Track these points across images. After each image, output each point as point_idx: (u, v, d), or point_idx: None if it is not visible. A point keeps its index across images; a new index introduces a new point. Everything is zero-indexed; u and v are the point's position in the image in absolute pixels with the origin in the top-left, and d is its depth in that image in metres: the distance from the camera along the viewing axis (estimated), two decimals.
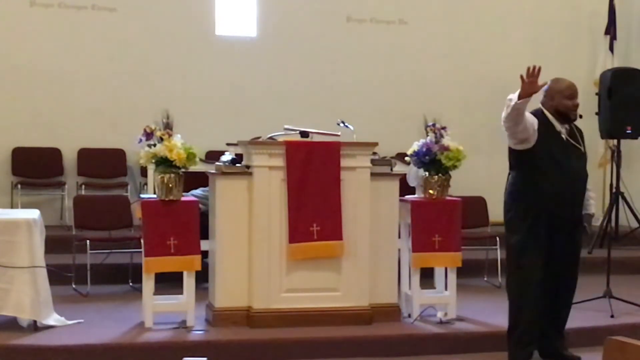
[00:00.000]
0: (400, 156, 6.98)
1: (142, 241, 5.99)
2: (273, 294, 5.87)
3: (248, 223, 5.89)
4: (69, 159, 9.45)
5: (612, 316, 6.33)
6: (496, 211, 8.16)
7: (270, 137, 6.16)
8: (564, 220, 5.18)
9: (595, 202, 5.60)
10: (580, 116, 5.26)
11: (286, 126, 6.32)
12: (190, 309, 5.88)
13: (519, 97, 4.86)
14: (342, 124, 6.64)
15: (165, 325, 5.84)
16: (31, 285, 5.57)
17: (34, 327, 5.67)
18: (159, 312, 5.88)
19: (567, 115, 5.19)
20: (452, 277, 6.27)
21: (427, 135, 6.27)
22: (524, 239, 5.20)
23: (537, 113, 5.21)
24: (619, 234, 9.13)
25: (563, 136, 5.20)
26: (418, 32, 10.26)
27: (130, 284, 7.30)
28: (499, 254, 7.61)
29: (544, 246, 5.17)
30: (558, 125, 5.20)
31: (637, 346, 2.68)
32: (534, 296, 5.22)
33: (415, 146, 6.28)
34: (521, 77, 4.87)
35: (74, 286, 7.09)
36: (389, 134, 8.74)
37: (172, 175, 5.76)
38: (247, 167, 5.95)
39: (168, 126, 5.78)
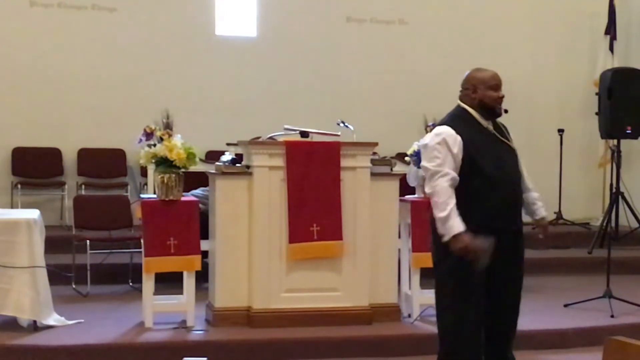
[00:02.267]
0: (400, 156, 6.98)
1: (142, 241, 5.99)
2: (273, 294, 5.87)
3: (248, 223, 5.89)
4: (69, 159, 9.46)
5: (612, 316, 6.33)
6: None
7: (270, 137, 6.16)
8: (507, 231, 4.36)
9: (542, 204, 4.74)
10: (506, 110, 4.50)
11: (286, 126, 6.32)
12: (190, 309, 5.88)
13: (451, 239, 4.11)
14: (342, 124, 6.64)
15: (165, 325, 5.84)
16: (31, 285, 5.57)
17: (34, 327, 5.67)
18: (159, 312, 5.88)
19: (493, 108, 4.41)
20: None
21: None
22: (457, 266, 4.25)
23: (457, 115, 4.43)
24: (619, 234, 9.12)
25: (492, 133, 4.43)
26: (418, 32, 10.27)
27: (130, 284, 7.30)
28: None
29: (481, 280, 4.26)
30: (484, 122, 4.42)
31: (637, 346, 2.68)
32: (472, 335, 4.31)
33: (415, 146, 6.28)
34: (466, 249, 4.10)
35: (74, 286, 7.09)
36: (389, 134, 8.75)
37: (172, 175, 5.76)
38: (247, 167, 5.95)
39: (168, 126, 5.78)
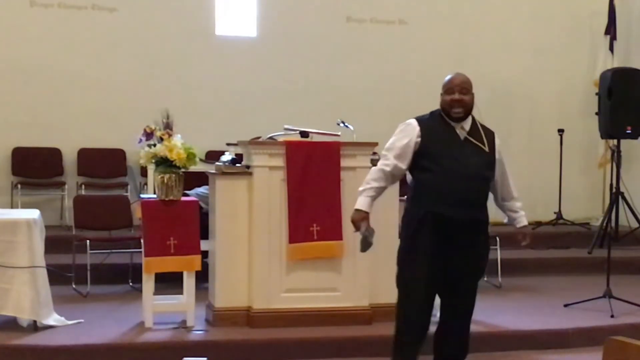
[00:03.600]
0: None
1: (142, 241, 5.99)
2: (273, 294, 5.87)
3: (248, 223, 5.89)
4: (69, 159, 9.46)
5: (612, 316, 6.33)
6: (496, 211, 8.19)
7: (270, 137, 6.16)
8: (456, 222, 4.51)
9: (524, 213, 4.92)
10: (467, 114, 4.64)
11: (286, 126, 6.32)
12: (190, 309, 5.88)
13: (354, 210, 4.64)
14: (342, 124, 6.64)
15: (165, 325, 5.84)
16: (31, 285, 5.57)
17: (34, 327, 5.67)
18: (159, 312, 5.88)
19: (447, 111, 4.63)
20: None
21: None
22: (406, 249, 4.67)
23: (431, 112, 4.75)
24: (619, 234, 9.12)
25: (459, 134, 4.62)
26: (418, 32, 10.27)
27: (130, 284, 7.30)
28: (499, 254, 7.61)
29: (431, 257, 4.53)
30: (452, 122, 4.64)
31: (637, 346, 2.68)
32: (416, 313, 4.64)
33: None
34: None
35: (74, 286, 7.09)
36: (389, 134, 8.70)
37: (172, 175, 5.76)
38: (247, 167, 5.95)
39: (168, 126, 5.78)
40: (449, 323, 4.78)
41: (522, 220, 4.91)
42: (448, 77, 4.81)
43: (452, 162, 4.54)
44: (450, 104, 4.64)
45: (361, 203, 4.59)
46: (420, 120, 4.69)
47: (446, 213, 4.50)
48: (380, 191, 4.65)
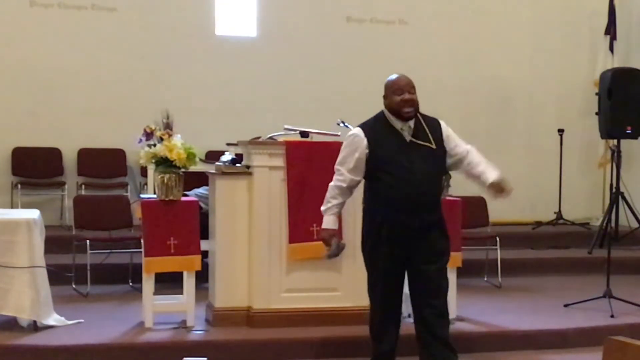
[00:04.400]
0: None
1: (142, 241, 5.99)
2: (273, 294, 5.87)
3: (248, 223, 5.89)
4: (69, 159, 9.46)
5: (612, 316, 6.33)
6: (496, 211, 8.20)
7: (270, 137, 6.16)
8: (410, 227, 4.68)
9: (485, 164, 4.85)
10: (416, 113, 4.79)
11: (286, 126, 6.31)
12: (190, 309, 5.88)
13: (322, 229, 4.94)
14: (342, 124, 6.63)
15: (165, 325, 5.84)
16: (31, 285, 5.57)
17: (34, 327, 5.67)
18: (159, 312, 5.88)
19: (398, 112, 4.76)
20: (452, 277, 6.25)
21: None
22: (369, 256, 4.90)
23: (375, 118, 4.92)
24: (619, 234, 9.12)
25: (405, 136, 4.75)
26: (418, 32, 10.27)
27: (130, 284, 7.30)
28: (499, 254, 7.62)
29: (389, 258, 4.76)
30: (399, 124, 4.77)
31: (637, 346, 2.68)
32: (382, 302, 4.96)
33: None
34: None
35: (74, 286, 7.09)
36: None
37: (172, 175, 5.76)
38: (247, 167, 5.95)
39: (168, 126, 5.78)
40: (424, 311, 4.89)
41: (487, 176, 4.80)
42: (392, 79, 4.99)
43: (400, 169, 4.68)
44: (401, 104, 4.78)
45: (327, 222, 4.85)
46: (365, 129, 4.82)
47: (399, 220, 4.69)
48: (341, 206, 4.89)
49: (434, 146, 4.76)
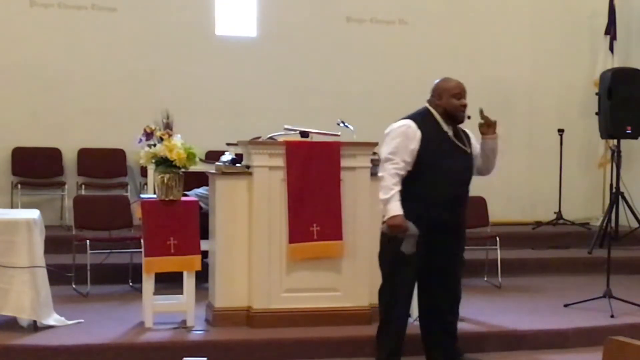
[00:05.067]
0: None
1: (142, 241, 5.99)
2: (273, 294, 5.87)
3: (248, 223, 5.89)
4: (69, 159, 9.46)
5: (612, 316, 6.33)
6: (496, 211, 8.20)
7: (270, 137, 6.16)
8: (444, 224, 4.88)
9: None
10: (469, 117, 5.00)
11: (286, 126, 6.32)
12: (190, 309, 5.88)
13: (389, 218, 4.79)
14: (342, 124, 6.64)
15: (165, 325, 5.84)
16: (31, 285, 5.57)
17: (34, 327, 5.67)
18: (159, 312, 5.88)
19: (455, 115, 4.94)
20: None
21: None
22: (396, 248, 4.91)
23: (421, 114, 5.00)
24: (619, 234, 9.12)
25: (450, 137, 4.95)
26: (418, 32, 10.27)
27: (130, 284, 7.30)
28: (499, 254, 7.61)
29: (420, 254, 4.84)
30: (445, 126, 4.95)
31: (637, 346, 2.68)
32: (403, 308, 5.08)
33: None
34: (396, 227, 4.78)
35: (74, 286, 7.09)
36: None
37: (172, 175, 5.76)
38: (247, 167, 5.95)
39: (168, 126, 5.78)
40: (444, 304, 5.11)
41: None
42: (452, 82, 5.05)
43: (445, 168, 4.84)
44: (460, 108, 4.95)
45: (395, 208, 4.75)
46: (417, 122, 4.88)
47: (438, 216, 4.82)
48: (400, 194, 4.82)
49: (469, 151, 5.03)
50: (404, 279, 4.97)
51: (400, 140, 4.83)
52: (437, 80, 5.12)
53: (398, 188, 4.77)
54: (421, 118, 4.94)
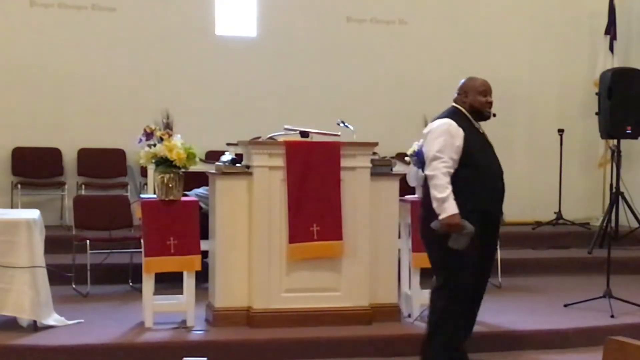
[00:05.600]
0: (400, 156, 6.97)
1: (142, 241, 5.99)
2: (273, 294, 5.87)
3: (248, 223, 5.89)
4: (69, 159, 9.46)
5: (612, 316, 6.33)
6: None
7: (270, 137, 6.16)
8: (494, 217, 5.06)
9: None
10: (494, 114, 5.11)
11: (286, 126, 6.31)
12: (190, 309, 5.88)
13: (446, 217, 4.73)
14: (342, 124, 6.64)
15: (165, 325, 5.84)
16: (31, 285, 5.57)
17: (34, 327, 5.67)
18: (159, 312, 5.88)
19: (481, 112, 5.04)
20: None
21: None
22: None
23: (454, 112, 5.02)
24: (619, 234, 9.12)
25: (482, 132, 5.09)
26: (418, 32, 10.27)
27: (130, 284, 7.30)
28: (499, 253, 7.59)
29: (477, 249, 4.89)
30: (475, 123, 5.06)
31: (637, 346, 2.68)
32: (467, 301, 5.02)
33: (415, 146, 6.27)
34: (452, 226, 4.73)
35: (74, 286, 7.09)
36: (389, 134, 8.75)
37: (172, 175, 5.76)
38: (247, 167, 5.95)
39: (168, 126, 5.78)
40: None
41: None
42: (478, 80, 5.14)
43: (487, 162, 4.98)
44: (486, 105, 5.07)
45: (452, 207, 4.73)
46: (456, 120, 4.93)
47: (488, 209, 4.96)
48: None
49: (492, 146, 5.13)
50: (462, 279, 4.90)
51: (445, 138, 4.84)
52: (463, 80, 5.17)
53: (451, 186, 4.76)
54: (455, 116, 4.99)
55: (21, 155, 9.28)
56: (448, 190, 4.74)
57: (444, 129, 4.88)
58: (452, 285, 4.94)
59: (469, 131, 4.94)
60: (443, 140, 4.83)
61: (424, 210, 4.98)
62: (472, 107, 5.03)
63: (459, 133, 4.87)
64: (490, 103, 5.09)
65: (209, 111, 9.60)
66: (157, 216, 5.79)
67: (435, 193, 4.77)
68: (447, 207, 4.72)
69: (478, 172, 4.89)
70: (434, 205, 4.77)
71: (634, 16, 10.49)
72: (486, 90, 5.09)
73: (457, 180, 4.81)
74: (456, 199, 4.76)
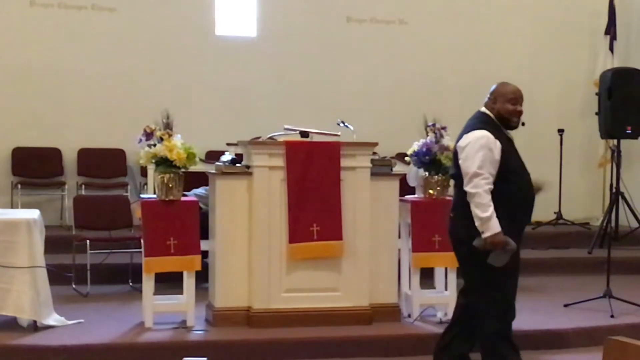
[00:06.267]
0: (400, 156, 6.98)
1: (142, 241, 5.99)
2: (273, 294, 5.87)
3: (248, 223, 5.89)
4: (69, 159, 9.46)
5: (612, 316, 6.33)
6: None
7: (270, 137, 6.16)
8: (525, 227, 5.04)
9: None
10: (523, 124, 4.99)
11: (286, 126, 6.32)
12: (190, 309, 5.88)
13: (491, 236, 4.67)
14: (342, 124, 6.64)
15: (165, 325, 5.84)
16: (31, 285, 5.57)
17: (34, 327, 5.67)
18: (159, 312, 5.88)
19: (509, 120, 4.90)
20: (452, 277, 6.27)
21: (427, 135, 6.27)
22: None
23: (486, 122, 4.88)
24: (619, 234, 9.12)
25: (512, 139, 4.97)
26: (418, 32, 10.27)
27: (130, 284, 7.30)
28: None
29: (517, 257, 4.91)
30: (504, 130, 4.93)
31: (637, 346, 2.68)
32: (513, 314, 5.00)
33: (415, 146, 6.28)
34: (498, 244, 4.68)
35: (74, 286, 7.09)
36: (389, 134, 8.75)
37: (172, 175, 5.76)
38: (247, 167, 5.95)
39: (168, 126, 5.78)
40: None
41: None
42: (509, 87, 4.99)
43: (523, 171, 4.94)
44: (515, 114, 4.92)
45: (496, 225, 4.65)
46: (491, 131, 4.80)
47: (524, 220, 4.95)
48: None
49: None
50: (512, 289, 4.91)
51: (484, 152, 4.72)
52: (495, 85, 5.04)
53: (492, 204, 4.67)
54: (488, 126, 4.84)
55: (21, 155, 9.28)
56: (491, 209, 4.65)
57: (482, 143, 4.74)
58: (500, 302, 4.87)
59: (503, 142, 4.81)
60: (482, 155, 4.71)
61: (458, 223, 4.89)
62: (499, 115, 4.90)
63: (497, 145, 4.75)
64: (520, 112, 4.93)
65: (209, 111, 9.60)
66: (157, 216, 5.79)
67: (478, 212, 4.67)
68: (491, 226, 4.64)
69: (514, 185, 4.80)
70: (477, 223, 4.68)
71: (634, 16, 10.49)
72: (516, 98, 4.93)
73: (495, 194, 4.71)
74: (499, 210, 4.68)
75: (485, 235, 4.65)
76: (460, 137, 4.90)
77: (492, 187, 4.69)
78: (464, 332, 5.04)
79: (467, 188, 4.72)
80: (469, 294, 5.02)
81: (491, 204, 4.66)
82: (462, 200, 4.82)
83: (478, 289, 4.91)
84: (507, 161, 4.77)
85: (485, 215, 4.64)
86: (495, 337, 4.89)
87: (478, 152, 4.71)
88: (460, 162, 4.81)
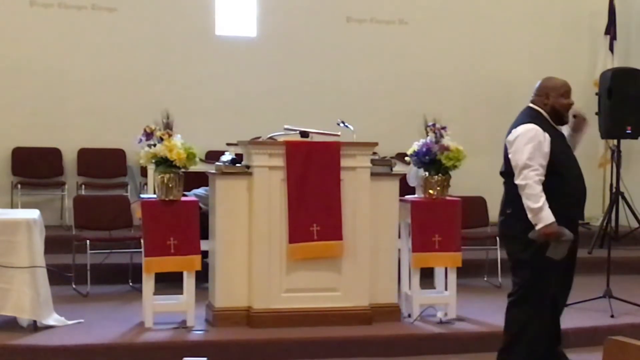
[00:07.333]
0: (400, 156, 6.98)
1: (142, 241, 5.99)
2: (273, 294, 5.87)
3: (248, 223, 5.90)
4: (69, 159, 9.45)
5: (612, 316, 6.34)
6: (496, 211, 8.17)
7: (270, 137, 6.16)
8: (578, 220, 4.99)
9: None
10: (574, 116, 4.98)
11: (286, 126, 6.32)
12: (190, 309, 5.88)
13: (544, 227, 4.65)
14: (342, 124, 6.64)
15: (165, 325, 5.84)
16: (31, 285, 5.57)
17: (34, 327, 5.67)
18: (159, 312, 5.89)
19: (562, 114, 4.89)
20: (452, 277, 6.27)
21: (427, 135, 6.28)
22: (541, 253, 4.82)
23: (536, 117, 4.85)
24: (619, 234, 9.12)
25: (562, 134, 4.95)
26: (418, 32, 10.27)
27: (130, 284, 7.30)
28: (499, 254, 7.61)
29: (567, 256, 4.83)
30: (555, 126, 4.91)
31: (637, 346, 2.68)
32: (549, 312, 5.03)
33: (415, 146, 6.28)
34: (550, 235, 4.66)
35: (74, 286, 7.09)
36: (389, 134, 8.74)
37: (172, 175, 5.76)
38: (247, 167, 5.95)
39: (168, 126, 5.78)
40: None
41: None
42: (560, 81, 5.06)
43: (574, 165, 4.86)
44: (568, 107, 4.92)
45: (549, 216, 4.63)
46: (539, 124, 4.78)
47: (575, 214, 4.89)
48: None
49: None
50: (549, 287, 4.88)
51: (533, 145, 4.70)
52: (540, 81, 5.05)
53: (544, 195, 4.65)
54: (536, 120, 4.82)
55: (21, 155, 9.28)
56: (542, 199, 4.62)
57: (531, 135, 4.72)
58: (536, 296, 4.86)
59: (553, 135, 4.78)
60: (532, 147, 4.69)
61: (510, 219, 4.88)
62: (554, 110, 4.87)
63: (546, 138, 4.72)
64: (572, 105, 4.94)
65: (208, 111, 9.59)
66: (157, 216, 5.79)
67: (529, 203, 4.65)
68: (544, 217, 4.61)
69: (565, 178, 4.76)
70: (529, 215, 4.65)
71: (634, 16, 10.49)
72: (568, 91, 4.95)
73: (546, 189, 4.68)
74: (550, 204, 4.65)
75: (539, 226, 4.62)
76: (509, 132, 4.90)
77: (542, 178, 4.66)
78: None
79: (517, 181, 4.71)
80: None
81: (542, 194, 4.63)
82: (513, 197, 4.81)
83: (519, 276, 4.91)
84: (557, 154, 4.74)
85: (537, 205, 4.62)
86: (525, 326, 4.93)
87: (527, 144, 4.70)
88: (510, 155, 4.80)
